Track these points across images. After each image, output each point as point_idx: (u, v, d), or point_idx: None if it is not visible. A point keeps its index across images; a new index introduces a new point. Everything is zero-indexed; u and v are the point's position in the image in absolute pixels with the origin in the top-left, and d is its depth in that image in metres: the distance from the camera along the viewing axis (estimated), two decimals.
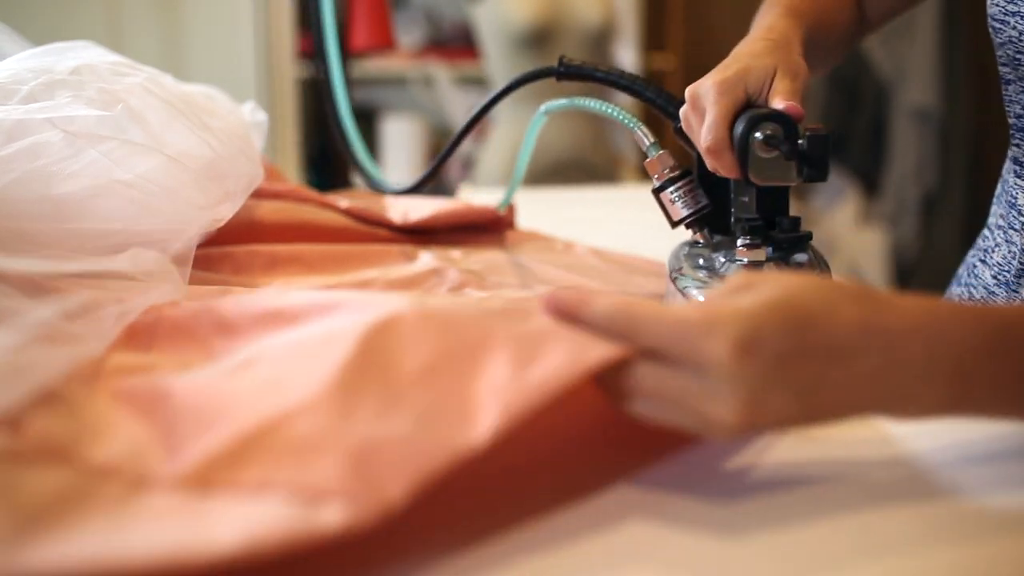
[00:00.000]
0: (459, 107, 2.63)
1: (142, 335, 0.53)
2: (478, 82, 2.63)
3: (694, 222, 0.68)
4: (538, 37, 2.17)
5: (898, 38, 2.99)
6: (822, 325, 0.40)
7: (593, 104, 0.74)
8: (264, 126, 0.91)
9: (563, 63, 0.74)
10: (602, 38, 2.27)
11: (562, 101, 0.75)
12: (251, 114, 0.90)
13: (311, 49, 1.31)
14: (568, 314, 0.43)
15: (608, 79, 0.75)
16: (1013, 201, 0.72)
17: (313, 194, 0.93)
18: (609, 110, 0.74)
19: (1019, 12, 0.66)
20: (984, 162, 2.92)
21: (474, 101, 2.39)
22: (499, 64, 2.26)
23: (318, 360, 0.40)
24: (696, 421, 0.40)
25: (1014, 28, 0.67)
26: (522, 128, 2.47)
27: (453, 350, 0.40)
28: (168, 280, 0.57)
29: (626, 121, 0.72)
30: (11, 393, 0.40)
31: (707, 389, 0.39)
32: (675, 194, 0.67)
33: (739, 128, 0.61)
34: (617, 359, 0.40)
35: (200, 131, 0.73)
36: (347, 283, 0.75)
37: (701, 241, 0.69)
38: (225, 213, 0.70)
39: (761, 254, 0.61)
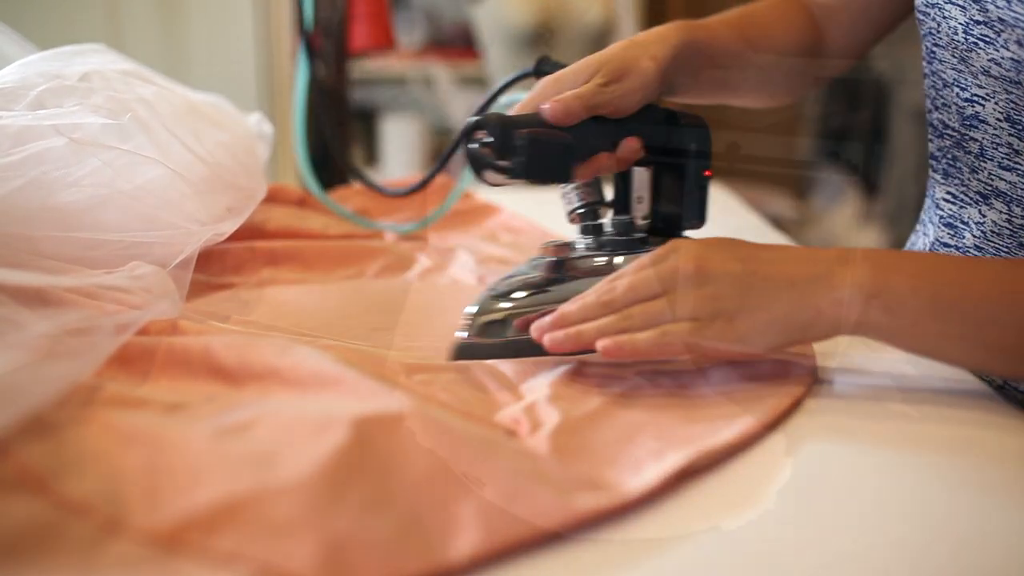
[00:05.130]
0: (459, 107, 2.63)
1: (139, 360, 0.53)
2: (478, 82, 2.63)
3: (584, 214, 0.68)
4: (538, 37, 2.17)
5: (898, 38, 2.99)
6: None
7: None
8: (270, 138, 0.90)
9: (541, 63, 0.73)
10: (602, 38, 2.27)
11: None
12: (257, 125, 0.90)
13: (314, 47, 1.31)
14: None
15: None
16: (931, 193, 0.74)
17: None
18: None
19: (938, 4, 0.66)
20: None
21: (474, 101, 2.38)
22: (499, 64, 2.26)
23: (313, 442, 0.40)
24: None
25: (933, 20, 0.68)
26: None
27: (448, 465, 0.41)
28: (166, 297, 0.57)
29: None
30: (3, 415, 0.40)
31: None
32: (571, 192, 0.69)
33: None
34: (607, 509, 0.41)
35: (205, 143, 0.73)
36: (346, 281, 0.75)
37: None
38: (227, 229, 0.70)
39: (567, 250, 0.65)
